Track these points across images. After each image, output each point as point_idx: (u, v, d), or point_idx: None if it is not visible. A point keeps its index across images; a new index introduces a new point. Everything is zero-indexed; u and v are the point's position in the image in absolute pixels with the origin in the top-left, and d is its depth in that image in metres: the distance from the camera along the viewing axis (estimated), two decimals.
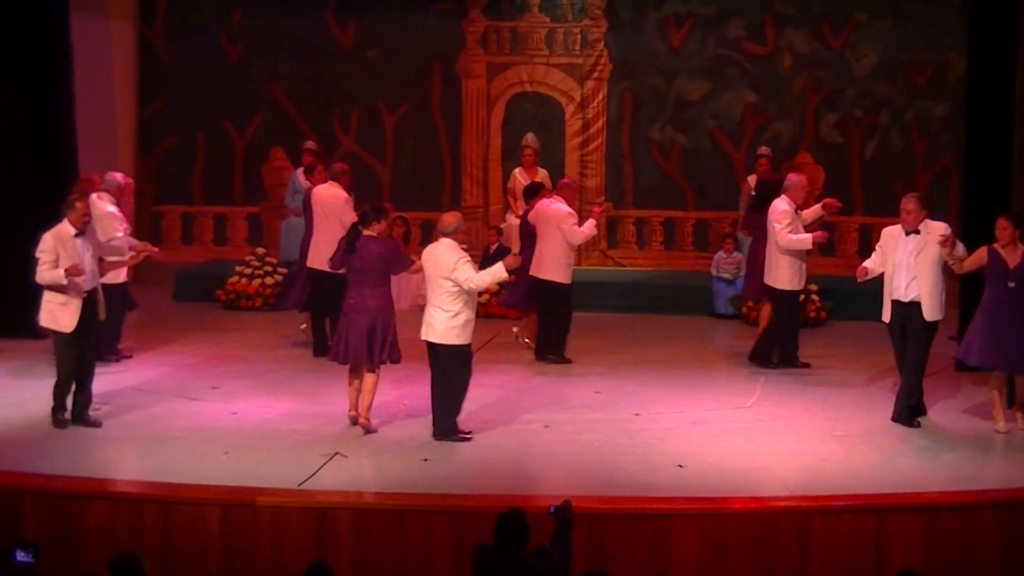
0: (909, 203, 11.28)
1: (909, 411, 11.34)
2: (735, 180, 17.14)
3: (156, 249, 12.13)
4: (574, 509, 7.97)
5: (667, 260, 17.68)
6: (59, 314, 10.79)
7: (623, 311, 16.07)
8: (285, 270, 15.96)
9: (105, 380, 11.65)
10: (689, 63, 17.49)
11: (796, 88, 17.46)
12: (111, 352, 12.65)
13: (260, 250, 16.46)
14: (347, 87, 17.80)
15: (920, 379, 11.35)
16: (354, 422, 11.01)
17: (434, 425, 10.78)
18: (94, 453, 10.40)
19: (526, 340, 13.89)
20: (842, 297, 15.61)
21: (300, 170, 16.10)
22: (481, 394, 11.97)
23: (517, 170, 16.33)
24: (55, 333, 10.88)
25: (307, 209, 13.88)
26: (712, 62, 17.48)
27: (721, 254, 16.28)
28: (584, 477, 9.99)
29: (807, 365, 13.29)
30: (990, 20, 13.60)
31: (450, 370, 10.68)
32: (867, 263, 11.65)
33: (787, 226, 12.92)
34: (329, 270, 12.85)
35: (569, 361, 13.45)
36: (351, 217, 12.99)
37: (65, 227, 10.79)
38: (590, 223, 13.46)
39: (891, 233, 11.42)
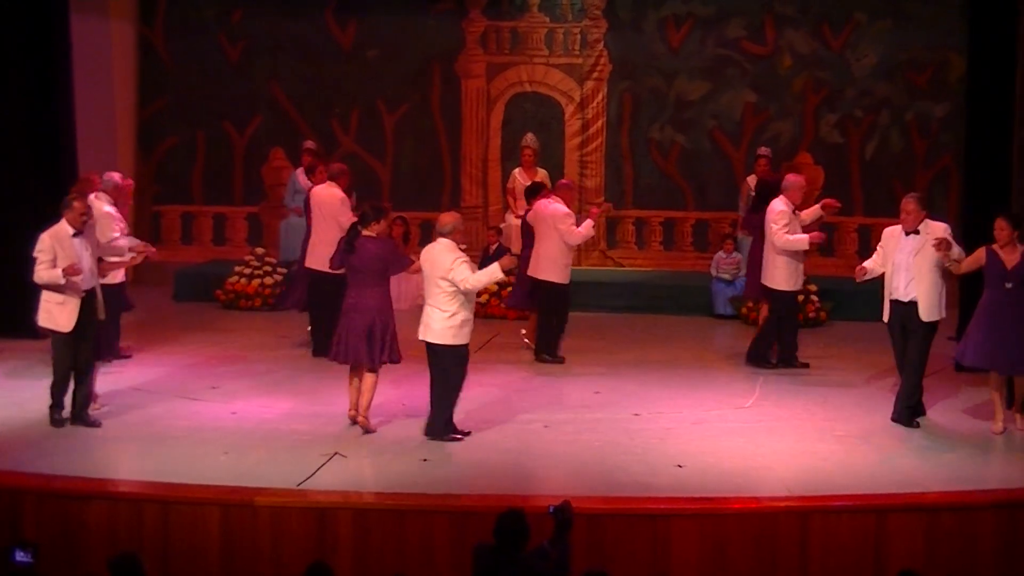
0: (909, 203, 11.29)
1: (909, 411, 11.35)
2: (735, 180, 17.14)
3: (153, 249, 12.12)
4: (574, 509, 7.97)
5: (667, 260, 17.68)
6: (57, 313, 10.79)
7: (623, 311, 16.07)
8: (284, 270, 15.99)
9: (105, 380, 11.65)
10: (689, 63, 17.49)
11: (796, 88, 17.46)
12: (110, 352, 12.62)
13: (260, 250, 16.46)
14: (347, 87, 17.80)
15: (920, 379, 11.35)
16: (354, 422, 11.02)
17: (427, 424, 10.79)
18: (94, 453, 10.40)
19: (526, 340, 13.88)
20: (842, 297, 15.62)
21: (300, 170, 16.13)
22: (481, 394, 11.99)
23: (517, 170, 16.34)
24: (53, 332, 10.88)
25: (308, 209, 13.90)
26: (712, 62, 17.48)
27: (721, 254, 16.28)
28: (584, 477, 9.99)
29: (806, 365, 13.30)
30: (990, 20, 13.61)
31: (447, 370, 10.69)
32: (867, 263, 11.65)
33: (784, 226, 12.92)
34: (327, 270, 12.90)
35: (562, 360, 13.44)
36: (347, 217, 13.04)
37: (63, 227, 10.79)
38: (588, 223, 13.46)
39: (891, 233, 11.43)
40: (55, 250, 10.69)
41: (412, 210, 16.81)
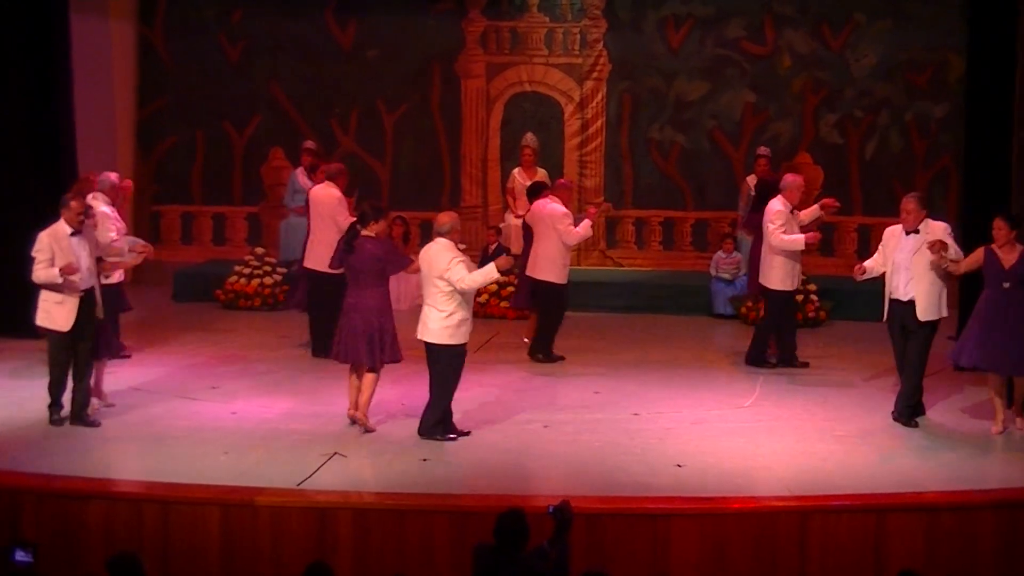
0: (909, 203, 11.32)
1: (909, 410, 11.36)
2: (734, 180, 17.14)
3: (152, 248, 12.13)
4: (573, 509, 7.97)
5: (666, 260, 17.68)
6: (56, 313, 10.80)
7: (622, 311, 16.07)
8: (284, 270, 16.00)
9: (105, 380, 11.62)
10: (688, 63, 17.50)
11: (795, 88, 17.46)
12: (109, 351, 12.61)
13: (259, 250, 16.46)
14: (347, 87, 17.80)
15: (920, 379, 11.36)
16: (354, 421, 11.03)
17: (422, 422, 10.81)
18: (94, 453, 10.40)
19: (526, 340, 13.88)
20: (841, 297, 15.62)
21: (299, 170, 16.13)
22: (481, 394, 12.00)
23: (516, 170, 16.35)
24: (51, 332, 10.89)
25: (308, 209, 13.91)
26: (711, 62, 17.48)
27: (720, 254, 16.28)
28: (583, 477, 9.99)
29: (806, 365, 13.31)
30: (990, 20, 13.61)
31: (444, 370, 10.69)
32: (867, 262, 11.68)
33: (780, 226, 12.94)
34: (326, 270, 12.93)
35: (555, 360, 13.44)
36: (344, 217, 13.08)
37: (61, 226, 10.80)
38: (585, 223, 13.46)
39: (892, 232, 11.46)
40: (53, 249, 10.70)
41: (412, 210, 16.81)
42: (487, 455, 10.46)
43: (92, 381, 11.35)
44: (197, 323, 15.10)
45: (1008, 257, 10.94)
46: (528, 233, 13.90)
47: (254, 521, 9.29)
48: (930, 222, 11.30)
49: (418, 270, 10.92)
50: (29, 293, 11.06)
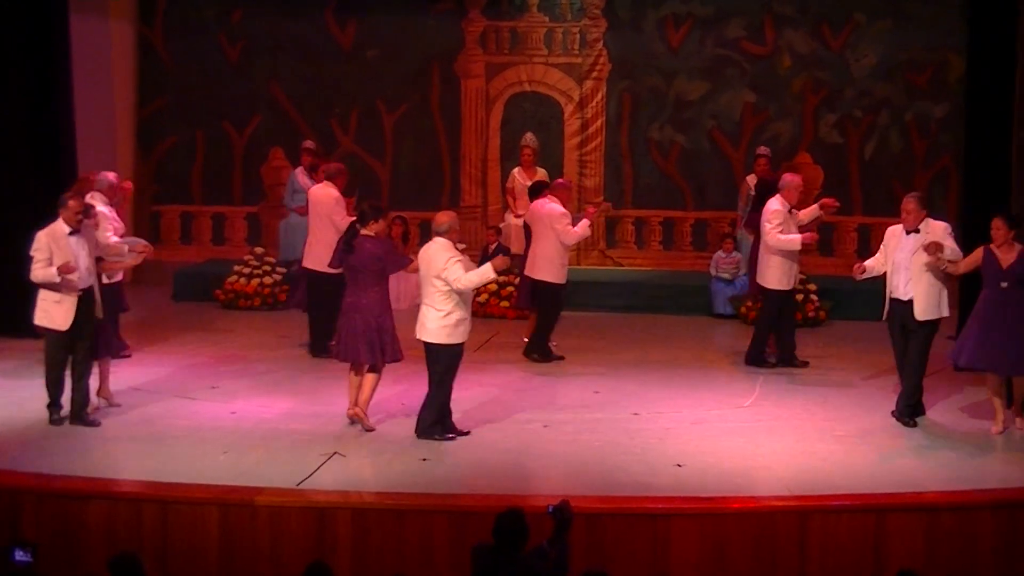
0: (910, 203, 11.34)
1: (910, 409, 11.36)
2: (734, 180, 17.14)
3: (151, 248, 12.13)
4: (573, 509, 7.97)
5: (666, 260, 17.68)
6: (54, 312, 10.81)
7: (622, 311, 16.07)
8: (284, 270, 16.00)
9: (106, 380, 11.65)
10: (688, 63, 17.50)
11: (795, 88, 17.46)
12: (108, 350, 12.61)
13: (259, 250, 16.45)
14: (346, 87, 17.80)
15: (921, 378, 11.36)
16: (353, 421, 11.03)
17: (419, 422, 10.81)
18: (93, 453, 10.40)
19: (525, 339, 13.87)
20: (841, 297, 15.62)
21: (299, 169, 16.13)
22: (480, 394, 12.00)
23: (516, 170, 16.34)
24: (49, 331, 10.89)
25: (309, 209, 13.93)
26: (711, 62, 17.48)
27: (720, 254, 16.28)
28: (583, 477, 9.99)
29: (806, 364, 13.31)
30: (990, 20, 13.61)
31: (440, 369, 10.69)
32: (868, 262, 11.72)
33: (777, 226, 12.96)
34: (324, 270, 12.95)
35: (552, 359, 13.44)
36: (341, 217, 13.10)
37: (59, 225, 10.81)
38: (583, 223, 13.45)
39: (893, 232, 11.49)
40: (51, 249, 10.71)
41: (411, 210, 16.80)
42: (487, 455, 10.46)
43: (98, 381, 11.39)
44: (197, 323, 15.10)
45: (1006, 257, 10.95)
46: (529, 233, 13.91)
47: (253, 521, 9.29)
48: (931, 222, 11.31)
49: (417, 269, 10.92)
50: (29, 293, 11.06)
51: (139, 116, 17.95)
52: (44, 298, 10.85)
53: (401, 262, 11.21)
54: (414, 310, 11.17)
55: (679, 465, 10.21)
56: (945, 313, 11.39)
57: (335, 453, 10.32)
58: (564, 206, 13.54)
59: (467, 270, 10.62)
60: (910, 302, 11.26)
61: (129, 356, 13.03)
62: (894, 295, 11.40)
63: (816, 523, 9.31)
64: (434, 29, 17.68)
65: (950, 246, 11.14)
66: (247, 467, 9.99)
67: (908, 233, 11.31)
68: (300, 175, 16.00)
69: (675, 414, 11.64)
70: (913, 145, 17.30)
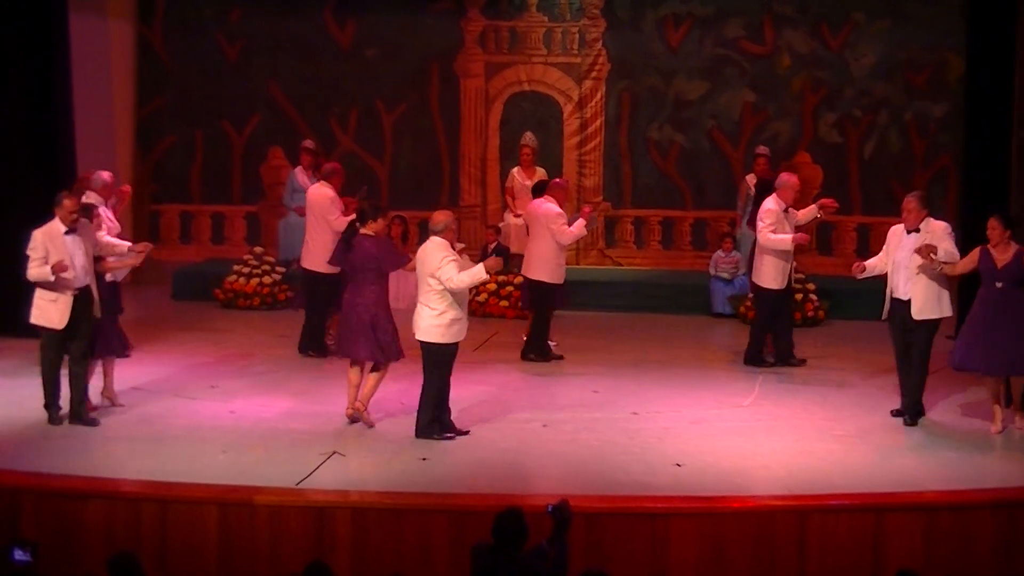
0: (910, 202, 11.38)
1: (913, 408, 11.37)
2: (733, 180, 17.14)
3: (151, 247, 12.12)
4: (572, 508, 7.96)
5: (665, 259, 17.68)
6: (50, 311, 10.81)
7: (621, 310, 16.06)
8: (283, 269, 16.00)
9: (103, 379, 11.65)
10: (687, 63, 17.50)
11: (795, 88, 17.46)
12: (109, 349, 12.59)
13: (258, 249, 16.45)
14: (346, 86, 17.80)
15: (923, 378, 11.36)
16: (352, 421, 11.05)
17: (417, 422, 10.81)
18: (92, 452, 10.40)
19: (524, 338, 13.85)
20: (840, 296, 15.61)
21: (299, 169, 16.13)
22: (479, 393, 12.00)
23: (515, 169, 16.35)
24: (45, 330, 10.90)
25: None
26: (711, 62, 17.48)
27: (720, 253, 16.27)
28: (582, 476, 9.99)
29: (803, 362, 13.33)
30: (989, 20, 13.64)
31: (434, 369, 10.69)
32: (869, 261, 11.77)
33: (770, 225, 13.00)
34: (320, 270, 12.99)
35: (550, 359, 13.44)
36: (335, 216, 13.13)
37: (55, 224, 10.81)
38: (579, 223, 13.44)
39: (895, 231, 11.53)
40: (46, 247, 10.71)
41: (411, 209, 16.78)
42: (486, 454, 10.46)
43: (102, 381, 11.39)
44: (196, 322, 15.09)
45: (1002, 257, 10.96)
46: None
47: (252, 520, 9.29)
48: (931, 221, 11.33)
49: (415, 268, 10.93)
50: (28, 292, 11.06)
51: (138, 115, 17.94)
52: (40, 297, 10.85)
53: (399, 261, 11.23)
54: (413, 310, 11.16)
55: (678, 464, 10.21)
56: (946, 313, 11.39)
57: (334, 452, 10.31)
58: (560, 206, 13.53)
59: (463, 270, 10.62)
60: (909, 301, 11.27)
61: (128, 356, 13.01)
62: (894, 294, 11.42)
63: (815, 523, 9.31)
64: (433, 28, 17.68)
65: (946, 247, 11.16)
66: (246, 466, 9.99)
67: (909, 232, 11.33)
68: (299, 174, 16.00)
69: (674, 413, 11.64)
70: (912, 145, 17.30)
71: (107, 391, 11.51)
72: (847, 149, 17.43)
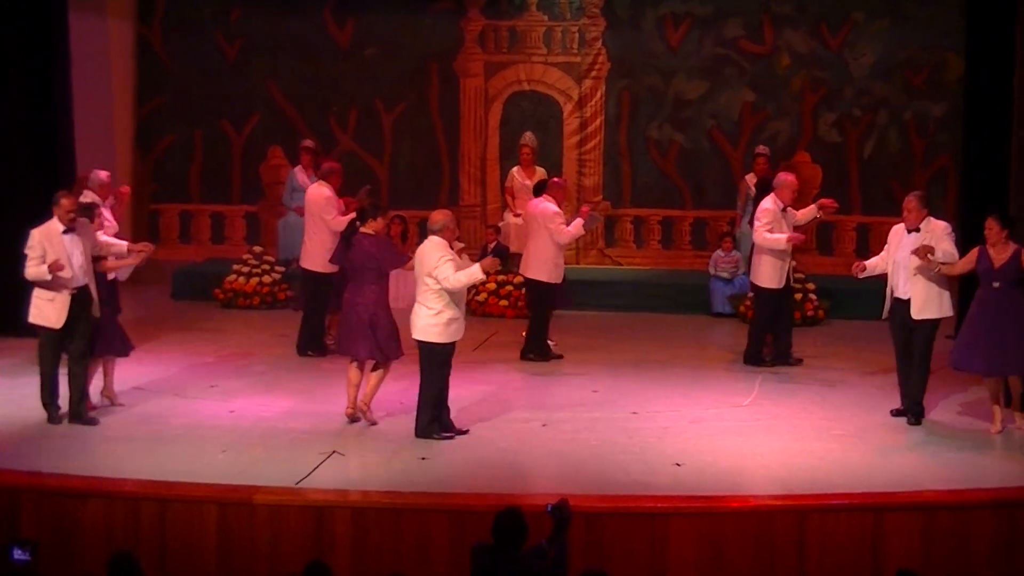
0: (911, 202, 11.40)
1: (916, 408, 11.37)
2: (733, 179, 17.14)
3: (151, 247, 12.12)
4: (571, 508, 7.97)
5: (665, 259, 17.68)
6: (48, 310, 10.82)
7: (621, 310, 16.06)
8: (283, 269, 16.00)
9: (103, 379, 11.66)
10: (687, 62, 17.50)
11: (794, 87, 17.46)
12: (110, 348, 12.58)
13: (258, 248, 16.45)
14: (345, 86, 17.80)
15: (925, 377, 11.36)
16: (352, 420, 11.05)
17: (416, 422, 10.81)
18: (92, 451, 10.40)
19: (523, 335, 13.84)
20: (840, 296, 15.61)
21: (298, 168, 16.14)
22: (479, 392, 12.00)
23: (515, 169, 16.36)
24: (43, 329, 10.90)
25: None
26: (710, 61, 17.48)
27: (719, 253, 16.27)
28: (582, 476, 9.99)
29: (800, 361, 13.34)
30: (989, 20, 13.63)
31: (431, 368, 10.70)
32: (869, 260, 11.79)
33: (766, 224, 13.03)
34: (317, 269, 13.01)
35: (549, 358, 13.44)
36: (331, 216, 13.15)
37: (54, 224, 10.81)
38: (577, 223, 13.44)
39: (896, 231, 11.55)
40: (44, 247, 10.72)
41: (410, 209, 16.77)
42: (485, 453, 10.46)
43: (101, 380, 11.40)
44: (195, 322, 15.10)
45: (999, 257, 10.96)
46: None
47: (252, 520, 9.29)
48: (931, 221, 11.35)
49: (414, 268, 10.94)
50: (28, 292, 11.05)
51: (138, 115, 17.95)
52: (38, 296, 10.86)
53: (399, 260, 11.24)
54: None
55: (677, 464, 10.21)
56: (947, 312, 11.40)
57: (334, 452, 10.31)
58: (559, 205, 13.53)
59: (460, 270, 10.62)
60: (909, 301, 11.28)
61: (127, 356, 13.00)
62: (895, 294, 11.43)
63: (814, 522, 9.31)
64: (433, 28, 17.69)
65: (945, 248, 11.17)
66: (245, 466, 9.99)
67: (909, 232, 11.35)
68: (299, 174, 16.01)
69: (673, 413, 11.64)
70: (912, 144, 17.30)
71: (107, 390, 11.52)
72: (846, 149, 17.43)
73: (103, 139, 16.72)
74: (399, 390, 11.66)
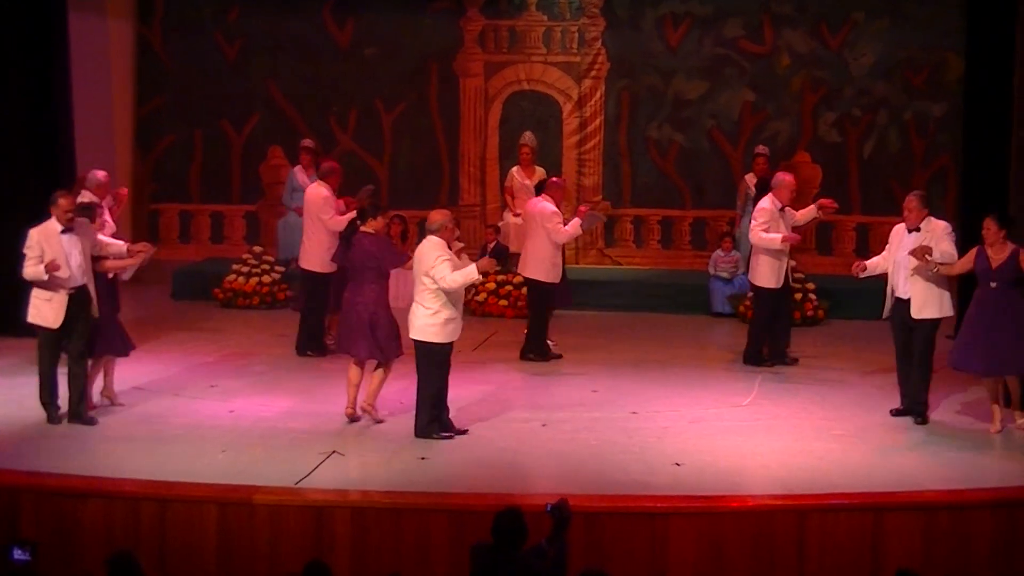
0: (911, 201, 11.42)
1: (920, 407, 11.38)
2: (733, 179, 17.14)
3: (151, 247, 12.12)
4: (571, 507, 7.97)
5: (665, 259, 17.68)
6: (45, 309, 10.83)
7: (621, 310, 16.05)
8: (283, 268, 16.00)
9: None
10: (687, 62, 17.50)
11: (794, 87, 17.46)
12: (110, 348, 12.58)
13: (258, 248, 16.44)
14: (345, 86, 17.80)
15: (925, 376, 11.36)
16: (352, 420, 11.06)
17: (415, 421, 10.82)
18: (91, 451, 10.40)
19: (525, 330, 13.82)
20: (839, 296, 15.61)
21: (298, 168, 16.14)
22: (478, 392, 12.00)
23: (515, 169, 16.35)
24: (41, 329, 10.90)
25: None
26: (710, 61, 17.48)
27: (719, 252, 16.27)
28: (581, 475, 9.99)
29: (795, 361, 13.33)
30: (989, 20, 13.63)
31: (428, 368, 10.70)
32: (870, 260, 11.81)
33: (762, 223, 13.04)
34: (316, 269, 13.00)
35: (549, 358, 13.44)
36: (328, 215, 13.15)
37: (52, 223, 10.81)
38: (574, 222, 13.43)
39: (897, 231, 11.57)
40: (42, 247, 10.72)
41: (410, 208, 16.77)
42: (485, 453, 10.46)
43: (101, 380, 11.40)
44: (195, 322, 15.10)
45: (997, 257, 10.96)
46: None
47: (251, 519, 9.29)
48: (932, 220, 11.37)
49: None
50: (28, 292, 11.05)
51: (137, 115, 17.96)
52: (36, 295, 10.87)
53: (399, 260, 11.26)
54: None
55: (677, 464, 10.21)
56: (947, 312, 11.40)
57: (333, 452, 10.31)
58: (557, 205, 13.53)
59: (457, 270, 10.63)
60: (909, 300, 11.29)
61: (127, 355, 13.01)
62: (896, 293, 11.43)
63: (814, 522, 9.31)
64: (432, 28, 17.69)
65: (944, 248, 11.17)
66: (245, 466, 9.99)
67: (909, 232, 11.35)
68: (299, 173, 16.01)
69: (673, 413, 11.64)
70: (912, 144, 17.30)
71: (107, 390, 11.52)
72: (846, 149, 17.43)
73: (103, 139, 16.72)
74: (399, 390, 11.66)
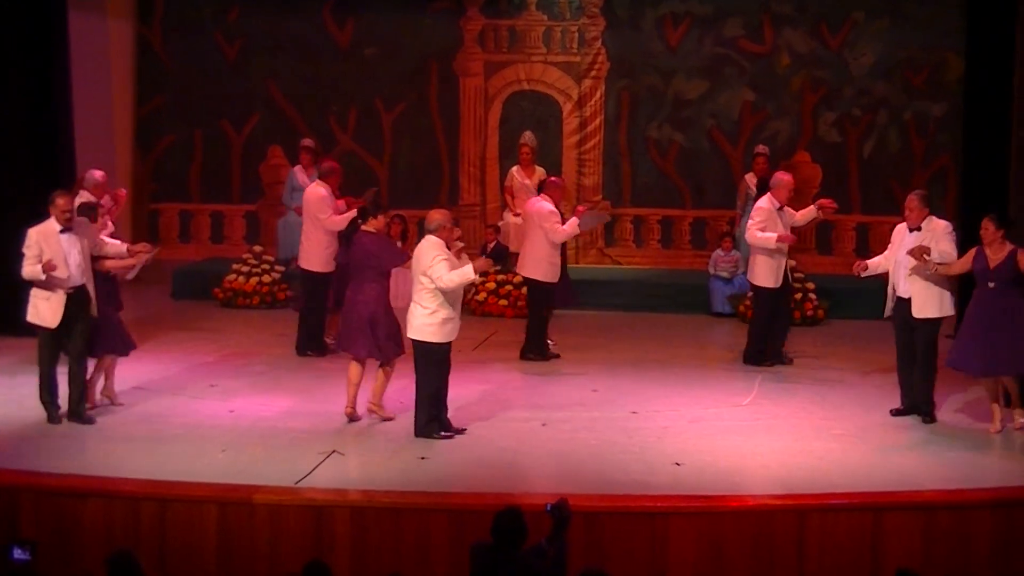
0: (912, 201, 11.45)
1: (926, 407, 11.39)
2: (733, 179, 17.15)
3: (151, 247, 12.11)
4: (571, 507, 7.97)
5: (665, 258, 17.69)
6: (43, 309, 10.83)
7: (621, 309, 16.06)
8: (282, 268, 16.00)
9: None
10: (687, 62, 17.50)
11: (794, 87, 17.47)
12: (110, 348, 12.58)
13: (258, 248, 16.45)
14: (345, 85, 17.80)
15: (929, 375, 11.36)
16: (352, 419, 11.06)
17: (415, 421, 10.82)
18: (91, 451, 10.40)
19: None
20: (840, 295, 15.61)
21: (298, 168, 16.13)
22: (478, 392, 12.00)
23: (515, 168, 16.34)
24: (40, 328, 10.91)
25: None
26: (710, 61, 17.49)
27: (719, 252, 16.27)
28: (581, 475, 9.99)
29: (791, 361, 13.33)
30: (989, 20, 13.62)
31: (426, 367, 10.70)
32: (871, 260, 11.82)
33: (759, 223, 13.07)
34: (315, 269, 13.00)
35: (549, 358, 13.44)
36: (326, 215, 13.16)
37: (51, 223, 10.82)
38: (572, 222, 13.43)
39: (899, 230, 11.59)
40: (41, 246, 10.72)
41: (410, 208, 16.77)
42: (484, 453, 10.46)
43: (101, 380, 11.40)
44: (195, 321, 15.10)
45: (995, 257, 10.96)
46: None
47: (251, 519, 9.29)
48: (933, 220, 11.38)
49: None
50: (28, 292, 11.06)
51: (137, 115, 17.97)
52: (35, 295, 10.88)
53: (399, 258, 11.27)
54: None
55: (677, 464, 10.21)
56: (948, 312, 11.40)
57: (333, 451, 10.31)
58: (556, 204, 13.53)
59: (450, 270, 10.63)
60: (910, 300, 11.30)
61: (127, 355, 13.01)
62: (897, 292, 11.44)
63: (814, 522, 9.31)
64: (432, 27, 17.70)
65: (943, 248, 11.18)
66: (245, 465, 9.99)
67: (910, 231, 11.36)
68: (299, 173, 16.00)
69: (673, 413, 11.64)
70: (912, 144, 17.31)
71: (107, 390, 11.53)
72: (846, 148, 17.44)
73: (103, 139, 16.73)
74: (399, 389, 11.64)
